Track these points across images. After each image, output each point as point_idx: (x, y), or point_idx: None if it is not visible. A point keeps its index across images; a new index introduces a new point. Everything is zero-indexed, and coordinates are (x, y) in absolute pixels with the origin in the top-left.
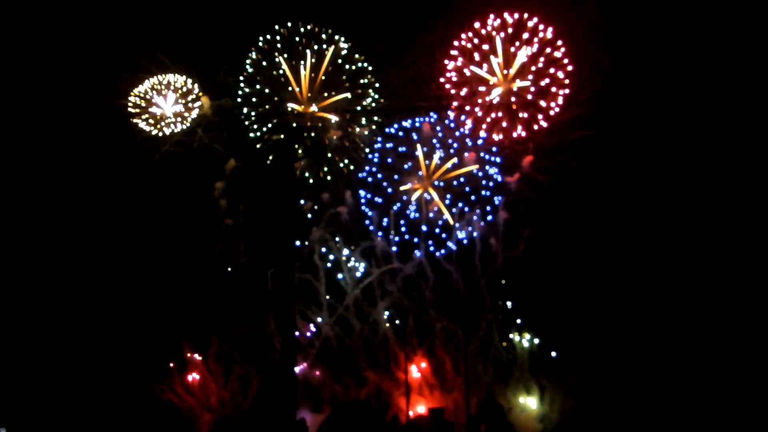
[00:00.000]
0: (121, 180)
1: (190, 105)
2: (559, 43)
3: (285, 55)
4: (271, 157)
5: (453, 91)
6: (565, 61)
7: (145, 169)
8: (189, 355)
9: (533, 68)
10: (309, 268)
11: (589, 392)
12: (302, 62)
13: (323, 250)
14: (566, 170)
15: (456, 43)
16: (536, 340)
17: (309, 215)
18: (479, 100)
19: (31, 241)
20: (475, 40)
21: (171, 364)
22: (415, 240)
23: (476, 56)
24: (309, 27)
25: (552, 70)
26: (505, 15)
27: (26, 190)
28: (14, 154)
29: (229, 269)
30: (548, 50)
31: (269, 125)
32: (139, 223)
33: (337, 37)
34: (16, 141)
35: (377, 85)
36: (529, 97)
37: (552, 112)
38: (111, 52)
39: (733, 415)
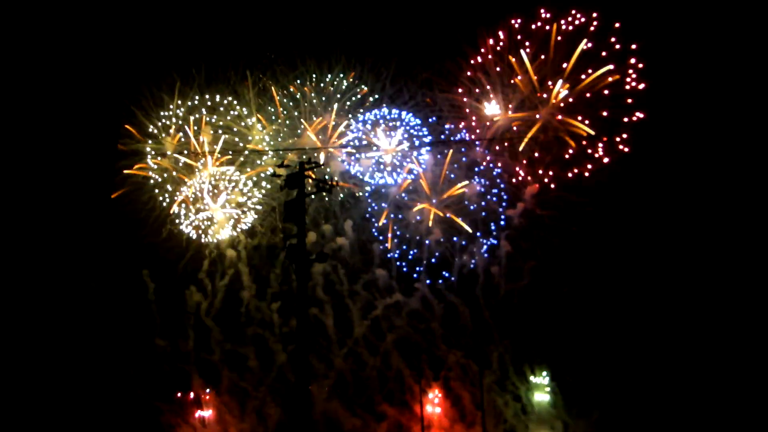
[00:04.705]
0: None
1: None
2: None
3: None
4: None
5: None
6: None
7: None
8: (201, 389)
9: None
10: (314, 302)
11: (613, 427)
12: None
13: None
14: (567, 205)
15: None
16: (549, 375)
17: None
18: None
19: (45, 264)
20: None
21: (186, 397)
22: (417, 270)
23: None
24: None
25: None
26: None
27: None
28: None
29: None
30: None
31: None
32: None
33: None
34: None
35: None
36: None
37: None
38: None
39: None
